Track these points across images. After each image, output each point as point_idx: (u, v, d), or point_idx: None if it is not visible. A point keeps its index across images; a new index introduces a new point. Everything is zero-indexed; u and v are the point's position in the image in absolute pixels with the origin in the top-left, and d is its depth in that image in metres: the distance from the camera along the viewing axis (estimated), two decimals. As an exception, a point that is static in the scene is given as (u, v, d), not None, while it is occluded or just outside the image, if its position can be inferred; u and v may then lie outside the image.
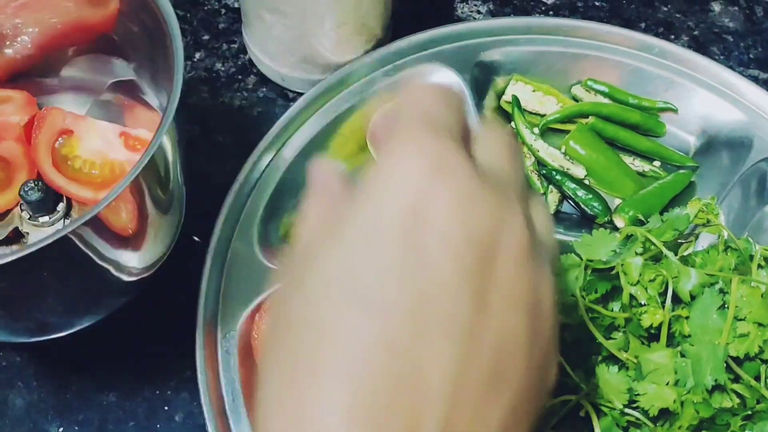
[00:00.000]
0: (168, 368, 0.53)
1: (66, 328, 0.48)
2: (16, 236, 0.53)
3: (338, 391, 0.23)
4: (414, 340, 0.23)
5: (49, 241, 0.38)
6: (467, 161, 0.26)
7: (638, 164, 0.62)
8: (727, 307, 0.46)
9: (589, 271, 0.52)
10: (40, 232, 0.53)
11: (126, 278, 0.47)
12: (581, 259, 0.51)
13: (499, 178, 0.27)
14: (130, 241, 0.45)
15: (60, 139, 0.55)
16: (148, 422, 0.51)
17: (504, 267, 0.25)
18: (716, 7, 0.72)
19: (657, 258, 0.51)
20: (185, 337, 0.49)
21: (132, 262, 0.47)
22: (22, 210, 0.53)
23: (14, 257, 0.37)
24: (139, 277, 0.48)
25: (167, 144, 0.43)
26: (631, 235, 0.52)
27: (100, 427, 0.51)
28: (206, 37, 0.67)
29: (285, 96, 0.65)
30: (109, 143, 0.55)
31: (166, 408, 0.52)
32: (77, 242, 0.40)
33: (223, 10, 0.68)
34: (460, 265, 0.24)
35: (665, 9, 0.71)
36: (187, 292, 0.50)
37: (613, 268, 0.52)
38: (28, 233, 0.53)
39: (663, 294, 0.49)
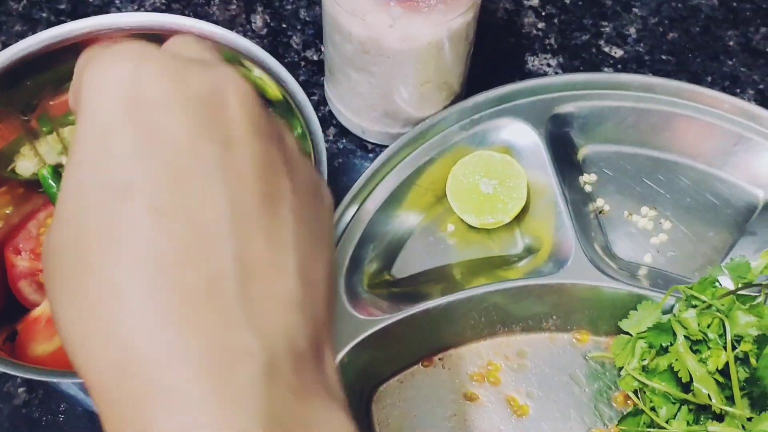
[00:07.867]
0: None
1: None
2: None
3: (129, 271, 0.23)
4: (179, 199, 0.24)
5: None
6: (167, 51, 0.27)
7: None
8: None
9: (645, 345, 0.55)
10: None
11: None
12: (631, 335, 0.55)
13: (204, 59, 0.27)
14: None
15: None
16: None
17: (235, 107, 0.26)
18: (780, 60, 0.73)
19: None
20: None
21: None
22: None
23: None
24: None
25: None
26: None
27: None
28: (285, 88, 0.69)
29: (364, 147, 0.67)
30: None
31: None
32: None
33: (303, 63, 0.71)
34: (190, 120, 0.25)
35: (730, 63, 0.72)
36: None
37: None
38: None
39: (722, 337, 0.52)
